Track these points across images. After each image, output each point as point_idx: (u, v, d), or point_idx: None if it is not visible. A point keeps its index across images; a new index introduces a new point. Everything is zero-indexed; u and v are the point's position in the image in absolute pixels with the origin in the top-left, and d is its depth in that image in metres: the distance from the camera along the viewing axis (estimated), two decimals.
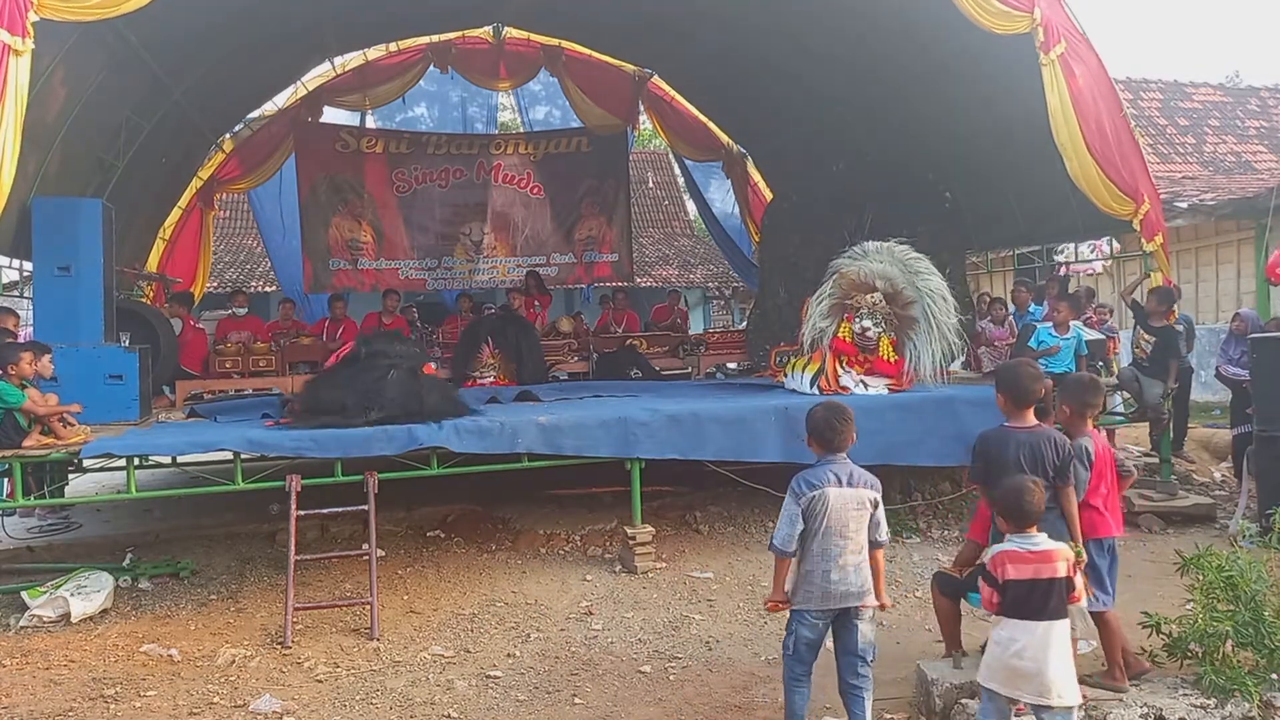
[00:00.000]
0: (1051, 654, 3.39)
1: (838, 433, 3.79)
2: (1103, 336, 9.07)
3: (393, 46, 12.41)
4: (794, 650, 3.78)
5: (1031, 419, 4.13)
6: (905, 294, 7.37)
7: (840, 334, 7.48)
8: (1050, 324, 8.02)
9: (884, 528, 3.80)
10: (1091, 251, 12.44)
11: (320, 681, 4.79)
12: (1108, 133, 7.43)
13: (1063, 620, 3.47)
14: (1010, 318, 9.86)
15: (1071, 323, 7.93)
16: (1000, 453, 4.00)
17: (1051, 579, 3.43)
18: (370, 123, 13.66)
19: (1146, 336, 7.91)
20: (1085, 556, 4.07)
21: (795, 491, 3.73)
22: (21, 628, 5.66)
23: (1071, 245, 12.02)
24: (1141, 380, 7.72)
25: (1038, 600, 3.42)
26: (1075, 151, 7.46)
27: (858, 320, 7.37)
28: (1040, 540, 3.52)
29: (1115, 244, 10.83)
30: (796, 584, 3.77)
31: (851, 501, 3.70)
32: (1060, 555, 3.48)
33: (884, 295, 7.39)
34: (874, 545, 3.80)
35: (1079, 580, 3.56)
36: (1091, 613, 4.24)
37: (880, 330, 7.38)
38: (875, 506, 3.75)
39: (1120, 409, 8.27)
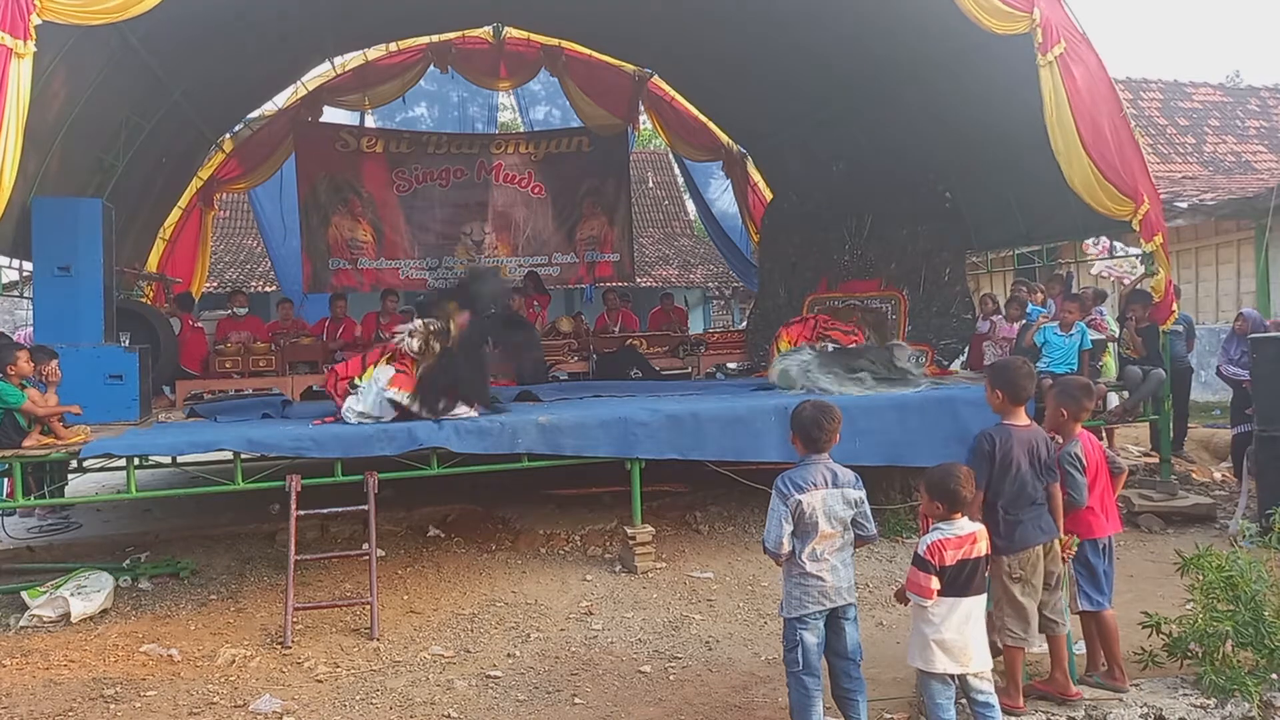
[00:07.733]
0: (971, 626, 3.67)
1: (825, 432, 3.78)
2: (1104, 337, 9.06)
3: (393, 46, 12.41)
4: (804, 662, 3.68)
5: (1024, 417, 4.15)
6: None
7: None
8: (1055, 323, 8.00)
9: (870, 524, 3.82)
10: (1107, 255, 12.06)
11: (320, 681, 4.79)
12: (1106, 133, 7.38)
13: (982, 595, 3.73)
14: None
15: (1075, 322, 7.92)
16: (1007, 452, 4.01)
17: (978, 558, 3.70)
18: (370, 122, 13.65)
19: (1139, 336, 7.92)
20: (1076, 545, 4.16)
21: (782, 492, 3.72)
22: (21, 628, 5.66)
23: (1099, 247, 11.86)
24: (1144, 371, 7.75)
25: (966, 578, 3.66)
26: (1071, 154, 7.40)
27: None
28: (964, 524, 3.71)
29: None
30: (790, 591, 3.76)
31: (839, 502, 3.72)
32: (981, 535, 3.73)
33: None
34: (862, 541, 3.83)
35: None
36: (1090, 613, 4.26)
37: None
38: (860, 505, 3.77)
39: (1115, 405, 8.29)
